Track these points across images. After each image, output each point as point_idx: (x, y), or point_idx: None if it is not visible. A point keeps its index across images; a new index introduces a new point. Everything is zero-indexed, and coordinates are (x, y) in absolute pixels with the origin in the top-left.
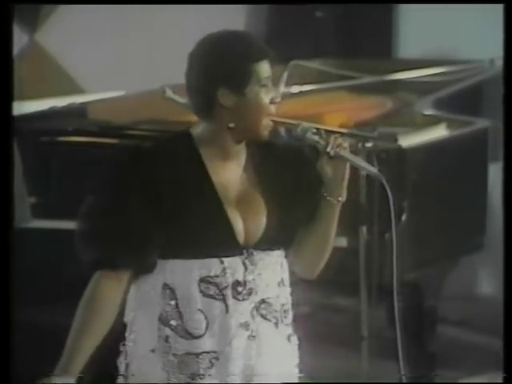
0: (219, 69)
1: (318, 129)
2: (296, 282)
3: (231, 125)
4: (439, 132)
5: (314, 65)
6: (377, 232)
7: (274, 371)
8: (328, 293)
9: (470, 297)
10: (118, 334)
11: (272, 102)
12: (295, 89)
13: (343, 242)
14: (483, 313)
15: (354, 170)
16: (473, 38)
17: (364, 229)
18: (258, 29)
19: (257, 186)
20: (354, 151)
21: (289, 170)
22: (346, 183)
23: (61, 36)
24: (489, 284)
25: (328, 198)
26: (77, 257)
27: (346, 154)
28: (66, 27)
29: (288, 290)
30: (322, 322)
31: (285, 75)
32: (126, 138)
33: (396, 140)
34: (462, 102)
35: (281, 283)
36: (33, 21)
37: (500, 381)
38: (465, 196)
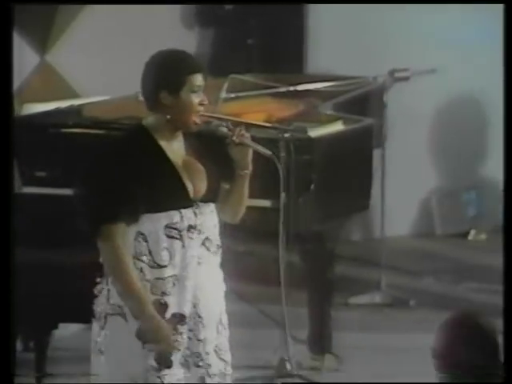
0: (162, 77)
1: (227, 124)
2: (231, 229)
3: (168, 117)
4: (337, 127)
5: (247, 78)
6: (293, 197)
7: (213, 284)
8: (257, 239)
9: (359, 241)
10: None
11: (200, 103)
12: (233, 95)
13: (268, 203)
14: (367, 252)
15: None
16: (362, 59)
17: (283, 194)
18: (205, 52)
19: (197, 159)
20: (275, 139)
21: (214, 150)
22: (249, 160)
23: (65, 56)
24: (370, 232)
25: (238, 171)
26: (77, 214)
27: (247, 141)
28: (69, 50)
29: (218, 230)
30: (251, 259)
31: (225, 85)
32: (110, 130)
33: (306, 132)
34: (353, 105)
35: (216, 225)
36: (43, 45)
37: (379, 300)
38: (356, 172)
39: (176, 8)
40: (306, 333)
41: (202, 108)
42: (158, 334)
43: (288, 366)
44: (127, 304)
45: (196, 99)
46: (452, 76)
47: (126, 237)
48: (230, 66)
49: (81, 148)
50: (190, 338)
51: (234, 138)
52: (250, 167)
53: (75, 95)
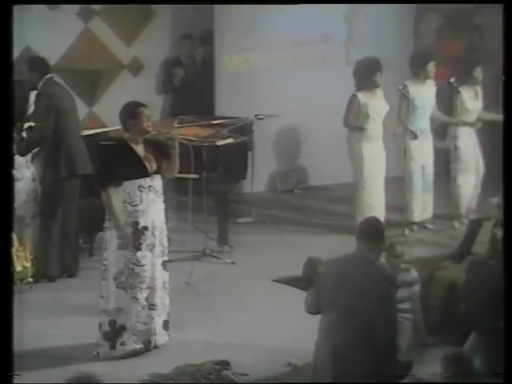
0: (127, 111)
1: (164, 131)
2: (179, 189)
3: (135, 131)
4: (230, 140)
5: (187, 117)
6: (209, 173)
7: (159, 211)
8: (192, 193)
9: (242, 193)
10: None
11: (148, 119)
12: (180, 125)
13: (197, 176)
14: (246, 198)
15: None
16: (242, 107)
17: (204, 172)
18: (167, 106)
19: (150, 154)
20: (199, 146)
21: (156, 149)
22: (176, 146)
23: (102, 107)
24: (246, 189)
25: (171, 151)
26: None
27: (175, 136)
28: (106, 104)
29: (162, 186)
30: (189, 204)
31: (176, 120)
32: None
33: (215, 143)
34: (237, 131)
35: (160, 184)
36: (90, 99)
37: (251, 220)
38: (239, 161)
39: (153, 83)
40: (216, 235)
41: (149, 123)
42: (122, 232)
43: (207, 251)
44: (112, 221)
45: (145, 119)
46: (285, 117)
47: (116, 193)
48: (179, 112)
49: (107, 151)
50: (150, 237)
51: (167, 136)
52: (178, 149)
53: (105, 126)
